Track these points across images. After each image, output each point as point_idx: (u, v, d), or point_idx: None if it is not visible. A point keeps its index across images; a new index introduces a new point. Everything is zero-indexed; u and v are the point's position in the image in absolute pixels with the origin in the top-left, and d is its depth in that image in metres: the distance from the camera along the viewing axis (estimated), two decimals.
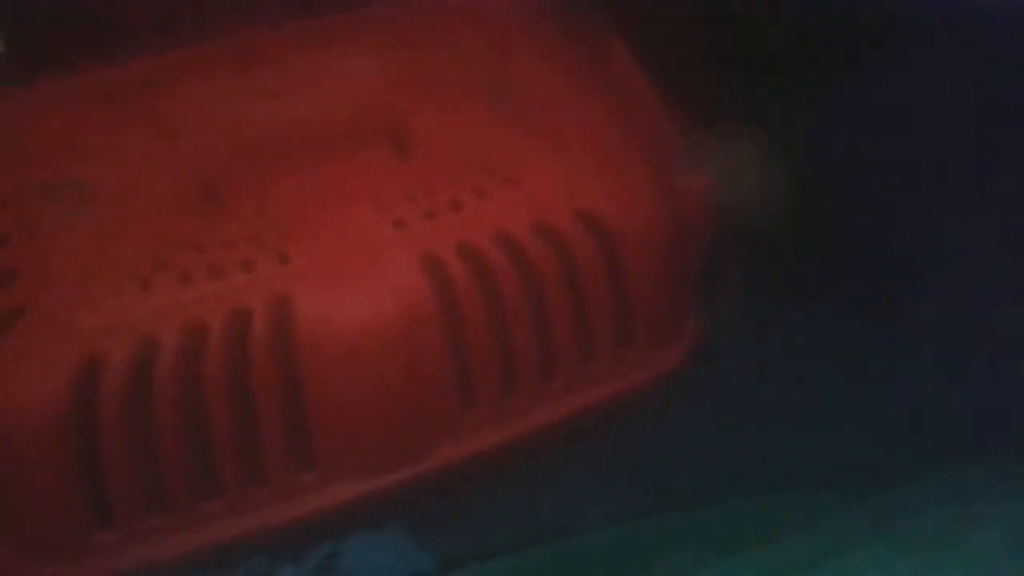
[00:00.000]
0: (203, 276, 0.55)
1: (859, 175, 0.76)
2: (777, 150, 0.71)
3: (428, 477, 0.61)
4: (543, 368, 0.61)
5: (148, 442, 0.54)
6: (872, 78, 0.79)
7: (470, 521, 0.64)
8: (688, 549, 0.57)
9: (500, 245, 0.58)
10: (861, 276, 0.74)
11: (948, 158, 0.77)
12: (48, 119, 0.59)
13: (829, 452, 0.66)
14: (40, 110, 0.60)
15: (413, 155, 0.60)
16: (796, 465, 0.65)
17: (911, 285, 0.73)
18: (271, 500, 0.58)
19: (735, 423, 0.67)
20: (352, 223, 0.57)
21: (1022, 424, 0.65)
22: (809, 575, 0.54)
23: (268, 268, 0.55)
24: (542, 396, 0.62)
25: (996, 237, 0.75)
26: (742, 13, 0.74)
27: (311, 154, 0.60)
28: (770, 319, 0.71)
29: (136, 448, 0.54)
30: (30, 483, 0.54)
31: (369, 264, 0.57)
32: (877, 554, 0.54)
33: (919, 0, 0.75)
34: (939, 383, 0.69)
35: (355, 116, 0.61)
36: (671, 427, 0.67)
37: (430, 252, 0.57)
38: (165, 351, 0.53)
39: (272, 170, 0.59)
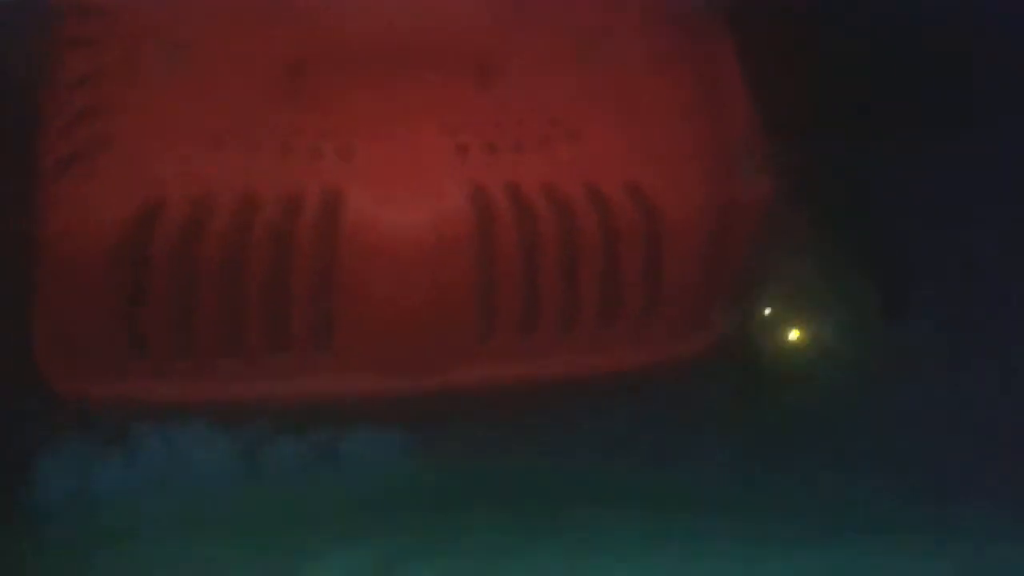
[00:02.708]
0: (272, 150, 0.60)
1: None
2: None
3: (434, 392, 0.65)
4: (565, 318, 0.64)
5: (189, 290, 0.60)
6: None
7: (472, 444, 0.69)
8: None
9: (547, 195, 0.61)
10: None
11: None
12: None
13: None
14: None
15: (493, 88, 0.63)
16: None
17: None
18: (287, 372, 0.63)
19: None
20: (419, 138, 0.61)
21: None
22: None
23: (331, 160, 0.60)
24: (561, 346, 0.65)
25: None
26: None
27: (400, 65, 0.63)
28: None
29: (176, 294, 0.59)
30: (84, 305, 0.61)
31: (423, 180, 0.61)
32: None
33: None
34: None
35: (450, 39, 0.64)
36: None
37: (482, 184, 0.61)
38: (220, 212, 0.59)
39: (361, 72, 0.63)
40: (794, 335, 0.71)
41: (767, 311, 0.71)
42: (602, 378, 0.67)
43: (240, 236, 0.59)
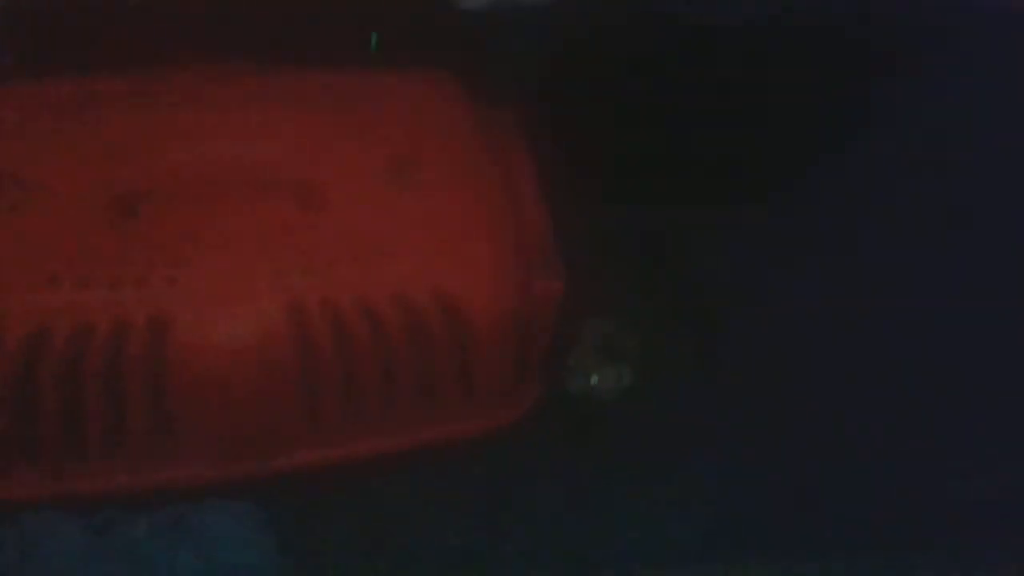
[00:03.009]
0: (102, 284, 0.66)
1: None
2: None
3: (270, 475, 0.72)
4: (385, 404, 0.72)
5: (34, 412, 0.66)
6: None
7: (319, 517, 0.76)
8: None
9: (358, 306, 0.68)
10: None
11: None
12: (9, 118, 0.70)
13: None
14: (5, 108, 0.70)
15: (309, 212, 0.70)
16: None
17: None
18: (131, 468, 0.70)
19: None
20: (238, 262, 0.68)
21: None
22: None
23: (157, 287, 0.66)
24: (383, 428, 0.73)
25: None
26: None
27: (223, 194, 0.70)
28: None
29: (22, 416, 0.66)
30: None
31: (242, 301, 0.67)
32: None
33: None
34: None
35: (270, 167, 0.71)
36: None
37: (297, 301, 0.67)
38: (55, 342, 0.65)
39: (188, 201, 0.69)
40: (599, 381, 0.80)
41: (579, 364, 0.79)
42: (425, 453, 0.75)
43: (76, 363, 0.65)
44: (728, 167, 0.86)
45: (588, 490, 0.78)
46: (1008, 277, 0.89)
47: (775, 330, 0.85)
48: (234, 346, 0.66)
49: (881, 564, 0.74)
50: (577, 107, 0.85)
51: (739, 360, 0.84)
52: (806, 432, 0.81)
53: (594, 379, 0.79)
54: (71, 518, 0.72)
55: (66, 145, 0.69)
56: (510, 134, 0.76)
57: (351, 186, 0.71)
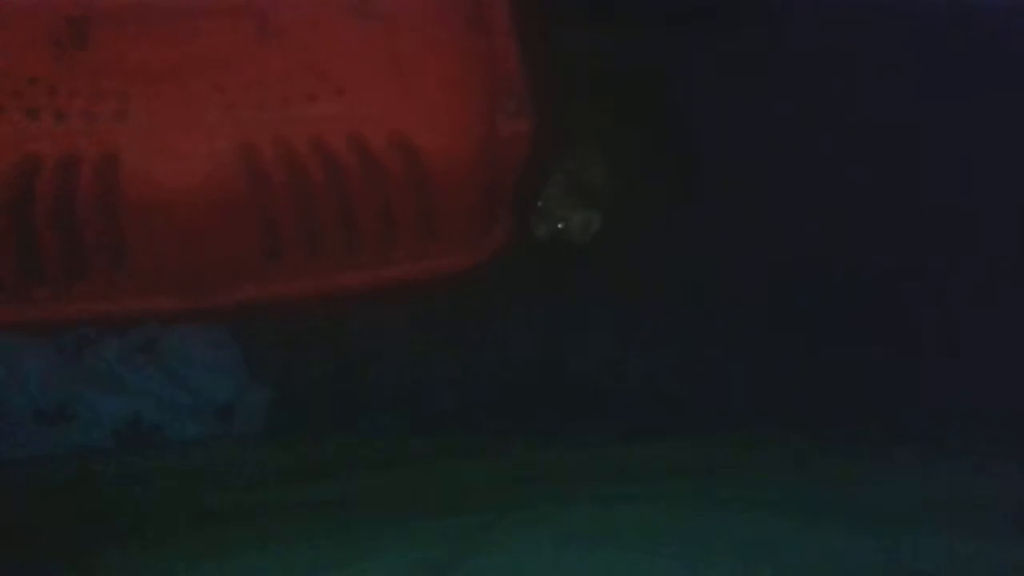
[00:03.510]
0: (49, 115, 0.64)
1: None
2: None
3: (230, 308, 0.72)
4: (345, 244, 0.71)
5: None
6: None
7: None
8: None
9: (314, 147, 0.66)
10: None
11: None
12: None
13: None
14: None
15: (267, 41, 0.67)
16: None
17: None
18: (91, 297, 0.70)
19: None
20: (191, 94, 0.65)
21: None
22: None
23: (105, 123, 0.64)
24: (344, 264, 0.72)
25: None
26: None
27: (178, 19, 0.66)
28: None
29: None
30: None
31: (195, 137, 0.65)
32: None
33: None
34: None
35: None
36: None
37: (250, 139, 0.66)
38: (2, 172, 0.64)
39: (139, 27, 0.66)
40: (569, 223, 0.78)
41: (547, 209, 0.78)
42: (390, 289, 0.75)
43: (24, 194, 0.64)
44: None
45: (560, 337, 0.78)
46: None
47: (753, 170, 0.82)
48: (183, 184, 0.65)
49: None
50: None
51: (716, 200, 0.82)
52: (781, 283, 0.79)
53: (561, 224, 0.77)
54: (41, 340, 0.73)
55: None
56: None
57: (309, 15, 0.67)
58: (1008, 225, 0.83)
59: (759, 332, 0.78)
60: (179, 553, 0.57)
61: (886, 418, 0.74)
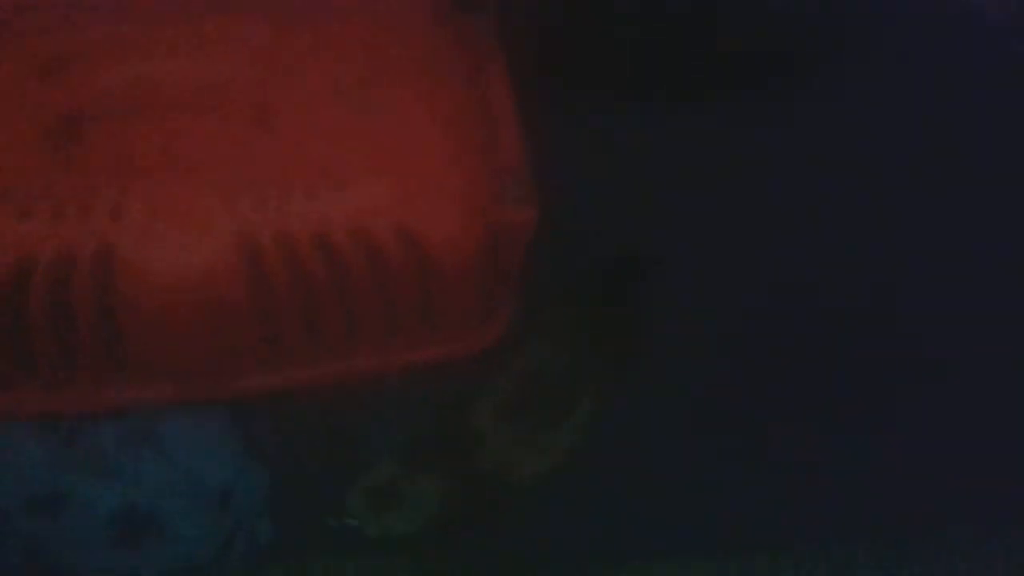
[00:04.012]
0: (44, 215, 0.63)
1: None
2: None
3: (231, 396, 0.71)
4: (347, 336, 0.69)
5: None
6: None
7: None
8: None
9: (316, 243, 0.65)
10: None
11: None
12: None
13: None
14: None
15: (265, 136, 0.65)
16: None
17: None
18: (89, 387, 0.69)
19: None
20: (189, 190, 0.64)
21: None
22: None
23: (100, 219, 0.63)
24: (344, 353, 0.71)
25: None
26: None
27: (175, 112, 0.65)
28: None
29: None
30: None
31: (192, 233, 0.64)
32: None
33: None
34: None
35: (228, 85, 0.66)
36: None
37: (250, 235, 0.64)
38: None
39: (135, 121, 0.65)
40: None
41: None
42: (391, 374, 0.73)
43: (18, 293, 0.63)
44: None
45: None
46: None
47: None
48: (180, 283, 0.64)
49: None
50: (555, 14, 0.78)
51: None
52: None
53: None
54: (36, 430, 0.71)
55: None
56: (485, 44, 0.70)
57: (307, 107, 0.66)
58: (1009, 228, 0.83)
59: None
60: None
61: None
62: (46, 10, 0.67)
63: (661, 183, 0.80)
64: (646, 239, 0.80)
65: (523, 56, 0.70)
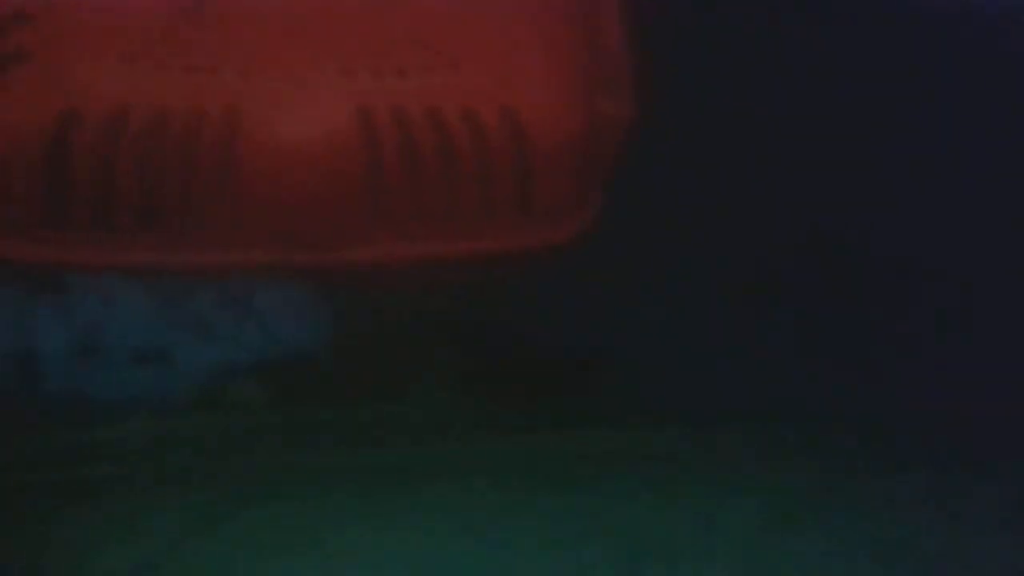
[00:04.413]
0: (178, 69, 0.67)
1: None
2: None
3: (332, 266, 0.75)
4: (446, 215, 0.73)
5: (110, 185, 0.68)
6: None
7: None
8: None
9: (429, 118, 0.68)
10: None
11: None
12: None
13: None
14: None
15: (384, 15, 0.69)
16: None
17: None
18: (203, 246, 0.73)
19: None
20: (309, 59, 0.68)
21: None
22: None
23: (231, 79, 0.67)
24: (443, 233, 0.74)
25: None
26: None
27: None
28: None
29: (99, 187, 0.68)
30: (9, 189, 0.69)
31: (312, 99, 0.68)
32: None
33: None
34: None
35: None
36: None
37: (367, 104, 0.68)
38: (134, 120, 0.66)
39: None
40: None
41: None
42: (482, 259, 0.77)
43: (152, 141, 0.67)
44: None
45: None
46: None
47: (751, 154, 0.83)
48: (301, 148, 0.67)
49: None
50: None
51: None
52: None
53: None
54: (141, 286, 0.76)
55: None
56: None
57: None
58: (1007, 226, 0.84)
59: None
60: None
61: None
62: None
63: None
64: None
65: None
